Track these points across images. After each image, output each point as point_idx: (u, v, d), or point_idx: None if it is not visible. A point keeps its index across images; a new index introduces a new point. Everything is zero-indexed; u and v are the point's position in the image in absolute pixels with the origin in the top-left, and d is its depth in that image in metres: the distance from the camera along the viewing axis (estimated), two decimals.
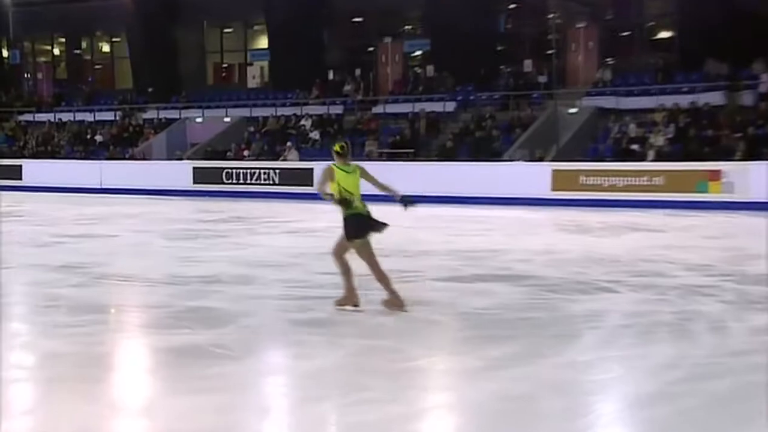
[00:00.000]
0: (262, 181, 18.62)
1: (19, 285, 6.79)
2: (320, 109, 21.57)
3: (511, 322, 5.30)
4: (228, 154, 20.53)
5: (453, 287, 6.56)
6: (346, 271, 5.50)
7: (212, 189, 18.90)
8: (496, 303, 5.92)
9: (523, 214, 13.29)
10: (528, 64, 20.36)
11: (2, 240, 9.74)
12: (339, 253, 5.51)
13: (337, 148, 5.53)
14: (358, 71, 22.49)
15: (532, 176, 15.41)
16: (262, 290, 6.57)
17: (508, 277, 6.98)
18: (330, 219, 12.75)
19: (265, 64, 25.14)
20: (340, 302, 5.59)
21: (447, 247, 9.09)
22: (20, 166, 21.65)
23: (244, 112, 22.72)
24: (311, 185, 18.09)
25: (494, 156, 16.98)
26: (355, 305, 5.52)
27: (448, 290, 6.44)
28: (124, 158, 21.28)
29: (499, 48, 21.80)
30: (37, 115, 25.67)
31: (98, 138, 23.27)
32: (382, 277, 5.45)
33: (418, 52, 23.19)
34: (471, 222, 12.34)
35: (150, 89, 24.97)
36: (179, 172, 19.53)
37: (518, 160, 16.56)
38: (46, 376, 4.13)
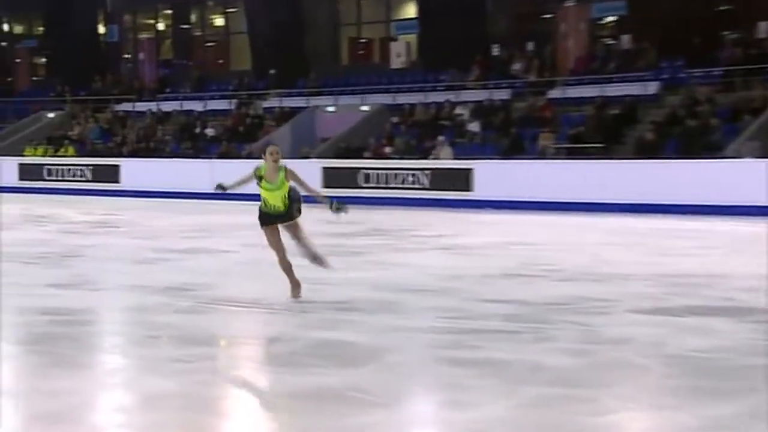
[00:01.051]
0: (408, 185, 18.89)
1: (116, 311, 7.29)
2: (481, 94, 21.56)
3: (735, 371, 5.09)
4: (365, 152, 21.05)
5: (658, 321, 6.40)
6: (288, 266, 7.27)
7: (345, 194, 19.24)
8: (714, 344, 5.71)
9: (748, 228, 12.53)
10: (763, 28, 19.11)
11: (97, 256, 10.59)
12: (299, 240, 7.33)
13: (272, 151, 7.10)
14: (530, 45, 22.25)
15: (763, 177, 14.57)
16: (409, 321, 6.62)
17: (730, 311, 6.74)
18: (492, 233, 12.55)
19: (413, 38, 25.55)
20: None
21: (648, 270, 8.78)
22: (118, 166, 23.51)
23: (386, 98, 23.21)
24: (469, 190, 18.17)
25: (712, 151, 16.17)
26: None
27: (652, 325, 6.28)
28: (239, 156, 22.41)
29: (720, 8, 20.68)
30: (137, 104, 27.67)
31: (209, 132, 24.73)
32: (286, 266, 7.19)
33: (610, 18, 22.52)
34: (679, 237, 11.90)
35: (271, 71, 26.16)
36: (306, 173, 20.10)
37: (747, 156, 15.63)
38: (146, 422, 4.33)
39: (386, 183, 19.22)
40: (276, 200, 7.18)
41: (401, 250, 11.11)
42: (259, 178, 7.17)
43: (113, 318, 7.07)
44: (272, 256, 7.45)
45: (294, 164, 22.70)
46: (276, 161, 7.10)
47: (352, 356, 5.53)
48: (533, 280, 8.51)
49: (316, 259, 7.46)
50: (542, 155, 18.35)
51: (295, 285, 7.30)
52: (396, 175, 19.16)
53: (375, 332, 6.20)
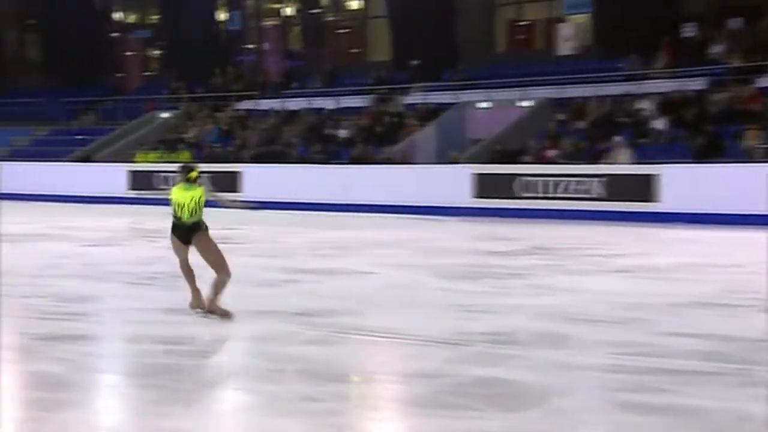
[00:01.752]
0: (577, 195, 18.60)
1: (238, 340, 7.49)
2: (668, 85, 20.99)
3: None
4: (524, 156, 20.88)
5: None
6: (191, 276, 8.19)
7: (502, 206, 19.37)
8: None
9: None
10: None
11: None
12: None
13: (194, 174, 8.28)
14: (734, 22, 21.45)
15: None
16: (580, 357, 6.53)
17: None
18: (684, 252, 12.11)
19: (585, 19, 25.18)
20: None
21: None
22: (238, 173, 24.29)
23: (550, 92, 22.99)
24: (653, 200, 17.70)
25: None
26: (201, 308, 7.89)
27: None
28: (376, 161, 22.73)
29: None
30: (260, 101, 28.56)
31: (342, 133, 25.20)
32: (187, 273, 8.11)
33: None
34: None
35: (414, 62, 26.41)
36: (454, 181, 20.35)
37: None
38: None
39: (550, 192, 18.99)
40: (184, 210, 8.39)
41: (569, 272, 10.94)
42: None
43: (234, 348, 7.28)
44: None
45: (440, 170, 22.68)
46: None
47: (513, 398, 5.48)
48: (737, 310, 8.23)
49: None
50: (747, 157, 17.65)
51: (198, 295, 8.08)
52: (562, 183, 18.90)
53: (539, 370, 6.13)
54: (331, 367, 6.30)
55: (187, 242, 8.12)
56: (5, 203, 25.01)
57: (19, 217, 19.86)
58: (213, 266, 7.96)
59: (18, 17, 38.24)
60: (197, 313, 7.98)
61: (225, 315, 7.89)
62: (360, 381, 6.25)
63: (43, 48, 37.98)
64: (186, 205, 8.17)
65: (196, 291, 8.08)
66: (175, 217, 8.24)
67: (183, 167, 8.37)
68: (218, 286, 7.91)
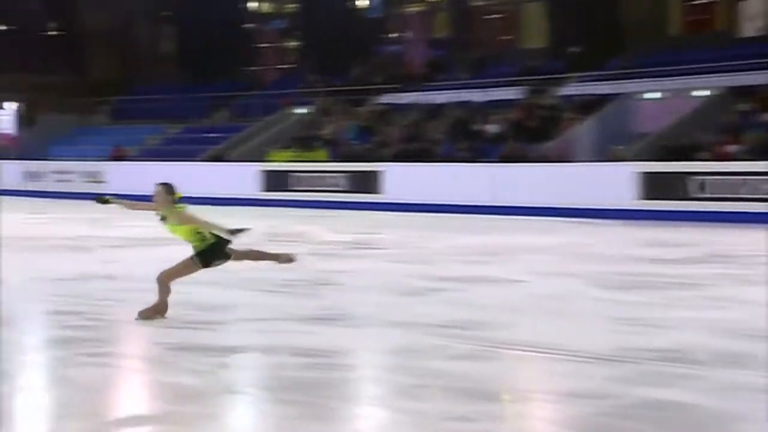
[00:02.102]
0: (764, 195, 17.96)
1: (378, 352, 7.53)
2: None
3: None
4: (699, 152, 20.30)
5: None
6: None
7: (672, 208, 18.91)
8: None
9: None
10: None
11: (355, 284, 11.07)
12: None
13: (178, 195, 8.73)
14: None
15: None
16: (766, 378, 6.29)
17: None
18: None
19: None
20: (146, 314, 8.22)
21: None
22: (378, 173, 24.50)
23: (731, 79, 22.29)
24: None
25: None
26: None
27: None
28: (528, 159, 22.53)
29: None
30: (403, 95, 28.69)
31: (491, 128, 25.09)
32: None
33: None
34: None
35: (573, 49, 26.05)
36: (615, 181, 20.00)
37: None
38: None
39: (730, 193, 18.41)
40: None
41: (752, 283, 10.58)
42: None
43: (374, 361, 7.34)
44: None
45: (600, 168, 22.34)
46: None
47: (688, 423, 5.35)
48: None
49: None
50: None
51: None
52: (745, 182, 18.30)
53: (716, 392, 5.97)
54: (479, 385, 6.28)
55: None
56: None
57: (149, 221, 20.60)
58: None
59: (152, 9, 39.69)
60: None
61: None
62: (512, 400, 6.19)
63: (176, 41, 39.30)
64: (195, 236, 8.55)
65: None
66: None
67: (165, 185, 8.84)
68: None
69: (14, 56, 39.27)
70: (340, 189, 25.11)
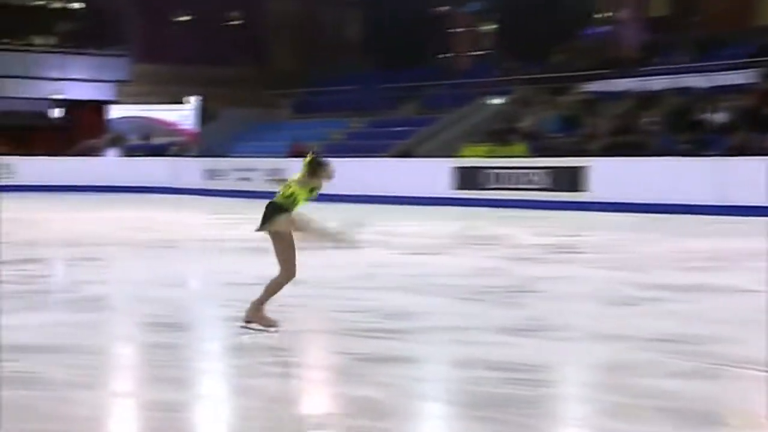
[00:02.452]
0: None
1: (590, 368, 7.40)
2: None
3: None
4: None
5: None
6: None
7: None
8: None
9: None
10: None
11: (559, 292, 10.92)
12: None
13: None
14: None
15: None
16: None
17: None
18: None
19: None
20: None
21: None
22: (584, 168, 24.11)
23: None
24: None
25: None
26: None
27: None
28: (761, 152, 21.73)
29: None
30: (613, 81, 28.23)
31: (718, 117, 24.34)
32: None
33: None
34: None
35: None
36: None
37: None
38: None
39: None
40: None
41: None
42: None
43: (580, 378, 7.23)
44: None
45: None
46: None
47: None
48: None
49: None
50: None
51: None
52: None
53: None
54: (701, 407, 6.11)
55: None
56: (321, 205, 26.62)
57: (328, 222, 21.01)
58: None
59: None
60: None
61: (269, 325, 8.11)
62: (741, 426, 5.97)
63: (362, 28, 39.96)
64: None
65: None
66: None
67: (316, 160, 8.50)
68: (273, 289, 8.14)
69: (195, 48, 40.84)
70: (541, 187, 24.91)
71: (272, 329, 8.08)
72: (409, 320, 8.99)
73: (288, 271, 8.17)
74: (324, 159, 8.40)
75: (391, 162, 29.46)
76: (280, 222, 8.03)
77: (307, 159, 8.33)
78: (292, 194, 8.13)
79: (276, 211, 8.06)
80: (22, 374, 6.65)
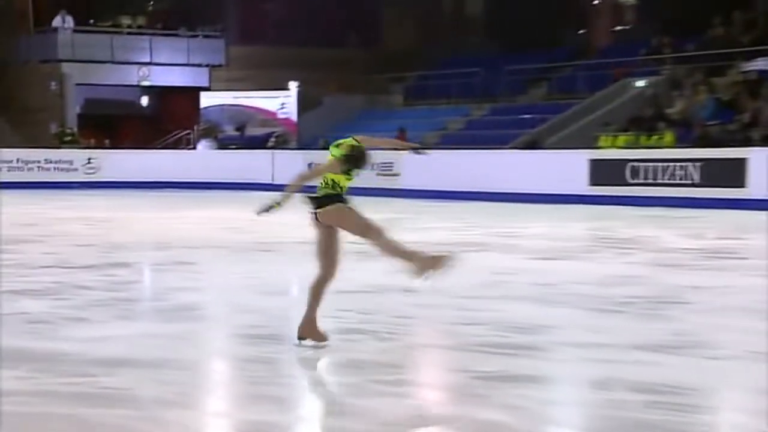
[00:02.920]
0: None
1: (740, 391, 7.26)
2: None
3: None
4: None
5: None
6: None
7: None
8: None
9: None
10: None
11: (712, 303, 10.77)
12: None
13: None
14: None
15: None
16: None
17: None
18: None
19: None
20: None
21: None
22: (744, 161, 23.69)
23: None
24: None
25: None
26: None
27: None
28: None
29: None
30: None
31: None
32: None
33: None
34: None
35: None
36: None
37: None
38: None
39: None
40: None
41: None
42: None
43: (737, 402, 7.11)
44: None
45: None
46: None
47: None
48: None
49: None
50: None
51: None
52: None
53: None
54: None
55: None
56: (417, 203, 26.70)
57: (446, 222, 21.05)
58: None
59: None
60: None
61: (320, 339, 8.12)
62: None
63: (484, 3, 39.91)
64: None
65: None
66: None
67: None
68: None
69: (296, 28, 41.22)
70: (693, 182, 24.55)
71: (323, 344, 8.11)
72: (537, 334, 8.97)
73: (332, 268, 8.27)
74: (364, 152, 8.16)
75: (517, 155, 29.36)
76: (334, 210, 8.10)
77: (345, 149, 8.11)
78: (333, 181, 8.13)
79: (329, 199, 8.12)
80: (110, 391, 6.81)
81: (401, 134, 33.15)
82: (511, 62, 35.18)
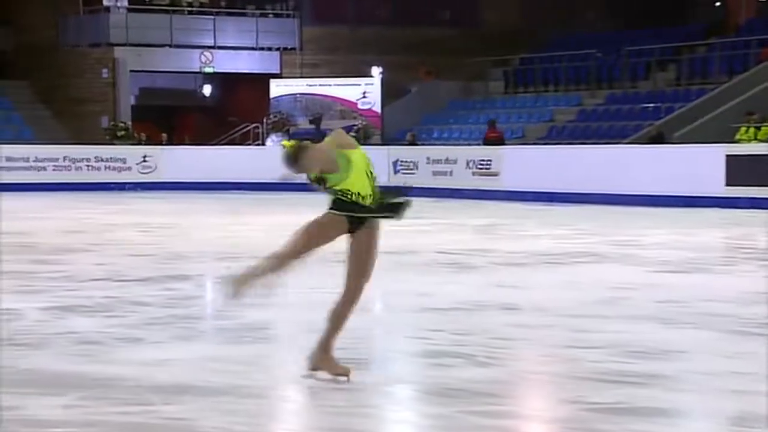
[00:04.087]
0: None
1: None
2: None
3: None
4: None
5: None
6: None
7: None
8: None
9: None
10: None
11: None
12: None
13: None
14: None
15: None
16: None
17: None
18: None
19: None
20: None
21: None
22: None
23: None
24: None
25: None
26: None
27: None
28: None
29: None
30: None
31: None
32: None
33: None
34: None
35: None
36: None
37: None
38: None
39: None
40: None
41: None
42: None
43: None
44: None
45: None
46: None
47: None
48: None
49: None
50: None
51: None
52: None
53: None
54: None
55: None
56: (520, 206, 26.62)
57: (553, 228, 20.94)
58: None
59: None
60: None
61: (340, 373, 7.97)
62: None
63: None
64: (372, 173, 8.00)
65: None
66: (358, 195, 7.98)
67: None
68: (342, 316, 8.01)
69: (381, 5, 41.26)
70: None
71: (343, 378, 7.97)
72: (663, 360, 8.91)
73: (362, 282, 8.16)
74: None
75: (638, 150, 29.14)
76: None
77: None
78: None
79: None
80: (169, 421, 6.89)
81: (491, 127, 33.09)
82: (633, 42, 34.94)
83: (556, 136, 33.52)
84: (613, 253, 16.83)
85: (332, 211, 7.93)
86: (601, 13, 40.55)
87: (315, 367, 8.01)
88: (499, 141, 32.37)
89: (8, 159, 34.38)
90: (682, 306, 11.57)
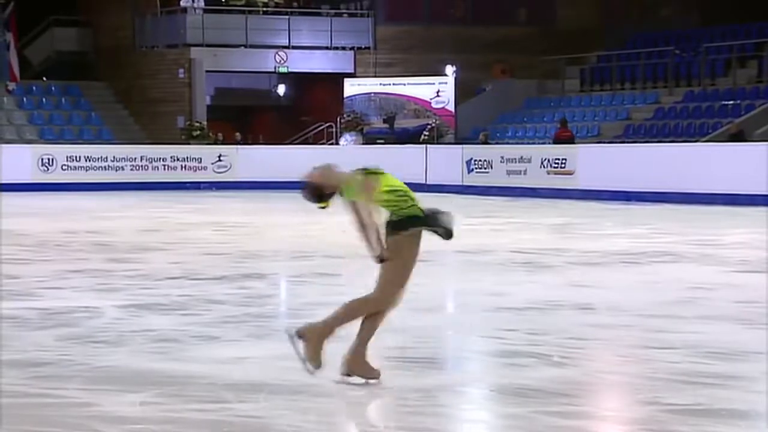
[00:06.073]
0: None
1: None
2: None
3: None
4: None
5: None
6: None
7: None
8: None
9: None
10: None
11: None
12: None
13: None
14: None
15: None
16: None
17: None
18: None
19: None
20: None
21: None
22: None
23: None
24: None
25: None
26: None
27: None
28: None
29: None
30: None
31: None
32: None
33: None
34: None
35: None
36: None
37: None
38: None
39: None
40: None
41: None
42: None
43: None
44: None
45: None
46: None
47: None
48: None
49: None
50: None
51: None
52: None
53: None
54: None
55: None
56: (596, 205, 26.49)
57: (630, 227, 20.83)
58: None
59: None
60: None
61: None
62: None
63: None
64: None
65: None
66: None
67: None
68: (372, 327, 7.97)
69: (456, 3, 41.17)
70: None
71: (374, 381, 7.95)
72: (742, 361, 8.85)
73: (391, 296, 8.21)
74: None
75: (718, 148, 28.89)
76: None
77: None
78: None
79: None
80: (243, 419, 6.95)
81: (562, 126, 32.93)
82: (712, 38, 34.66)
83: (633, 134, 33.32)
84: (691, 253, 16.71)
85: (402, 232, 8.16)
86: (678, 9, 40.23)
87: (349, 371, 7.97)
88: (570, 140, 32.23)
89: (87, 159, 34.76)
90: (761, 307, 11.45)
